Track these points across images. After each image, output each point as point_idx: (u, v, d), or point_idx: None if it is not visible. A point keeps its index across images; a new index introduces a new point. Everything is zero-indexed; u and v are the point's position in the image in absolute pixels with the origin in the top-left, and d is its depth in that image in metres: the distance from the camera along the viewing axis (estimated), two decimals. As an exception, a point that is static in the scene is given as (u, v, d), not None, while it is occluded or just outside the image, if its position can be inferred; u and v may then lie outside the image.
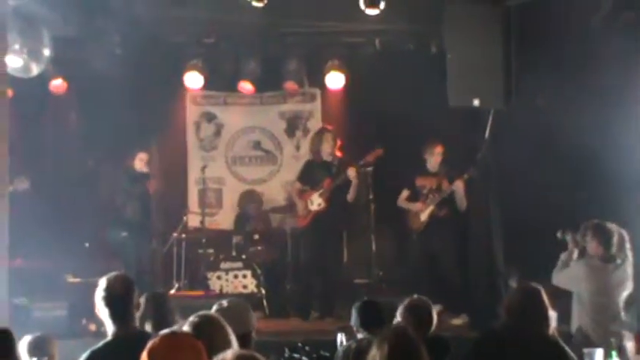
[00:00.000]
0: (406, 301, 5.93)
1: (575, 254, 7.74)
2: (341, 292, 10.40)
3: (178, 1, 10.08)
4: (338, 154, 10.55)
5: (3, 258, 7.96)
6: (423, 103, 10.48)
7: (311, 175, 10.68)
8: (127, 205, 11.05)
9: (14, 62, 9.03)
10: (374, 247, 11.06)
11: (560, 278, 7.73)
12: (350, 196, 10.39)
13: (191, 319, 4.32)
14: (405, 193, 10.53)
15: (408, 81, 10.80)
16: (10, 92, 8.82)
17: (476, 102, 8.80)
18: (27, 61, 9.24)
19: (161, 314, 5.64)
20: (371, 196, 10.99)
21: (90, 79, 11.13)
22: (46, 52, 9.36)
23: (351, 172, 10.26)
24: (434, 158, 10.39)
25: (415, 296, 6.02)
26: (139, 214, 11.07)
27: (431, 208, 10.28)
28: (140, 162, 11.11)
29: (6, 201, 8.19)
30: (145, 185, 11.10)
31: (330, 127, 10.88)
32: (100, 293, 5.06)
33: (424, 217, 10.31)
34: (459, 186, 10.10)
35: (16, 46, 9.01)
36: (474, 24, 8.76)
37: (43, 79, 10.66)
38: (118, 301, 5.03)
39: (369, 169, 10.71)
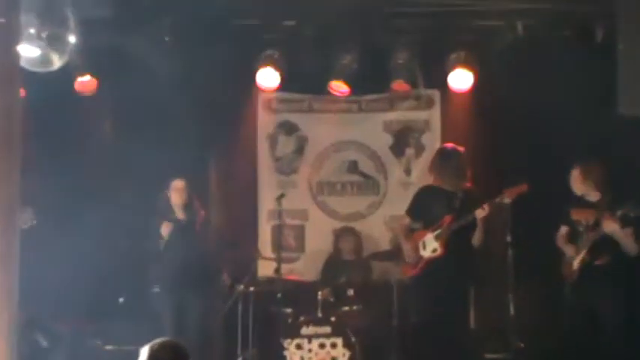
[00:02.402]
0: None
1: None
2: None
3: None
4: (467, 184, 10.41)
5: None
6: (582, 110, 10.50)
7: (426, 208, 10.55)
8: (163, 249, 11.12)
9: (29, 52, 9.11)
10: (512, 309, 10.81)
11: None
12: (476, 240, 10.26)
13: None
14: (564, 230, 10.26)
15: (562, 81, 10.79)
16: (22, 92, 8.91)
17: (656, 110, 8.64)
18: (45, 50, 9.33)
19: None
20: (509, 238, 10.75)
21: (128, 76, 11.22)
22: (71, 39, 9.43)
23: (480, 213, 10.12)
24: (592, 184, 10.14)
25: None
26: (182, 260, 11.03)
27: (583, 252, 10.00)
28: (176, 193, 11.08)
29: (17, 237, 8.25)
30: (184, 222, 11.10)
31: (460, 149, 10.71)
32: (141, 366, 5.08)
33: (577, 264, 10.05)
34: (612, 227, 9.76)
35: (32, 31, 9.10)
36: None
37: (66, 74, 10.83)
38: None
39: (507, 201, 10.48)
